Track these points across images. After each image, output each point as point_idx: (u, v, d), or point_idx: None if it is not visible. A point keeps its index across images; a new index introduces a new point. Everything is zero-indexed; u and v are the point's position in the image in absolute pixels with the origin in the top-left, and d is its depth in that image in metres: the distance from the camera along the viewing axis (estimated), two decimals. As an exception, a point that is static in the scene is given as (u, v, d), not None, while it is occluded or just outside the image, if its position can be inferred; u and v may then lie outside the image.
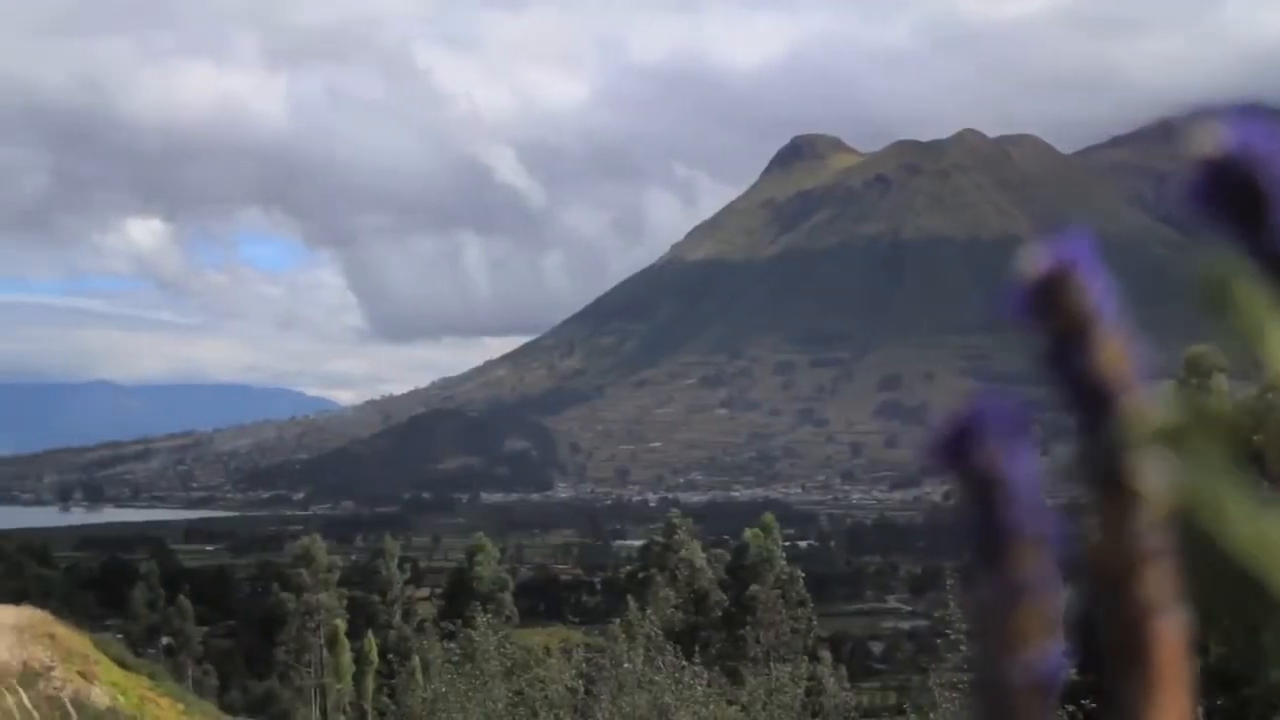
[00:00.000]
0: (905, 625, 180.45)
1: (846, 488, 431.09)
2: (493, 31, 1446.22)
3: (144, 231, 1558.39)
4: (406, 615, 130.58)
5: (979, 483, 1.19)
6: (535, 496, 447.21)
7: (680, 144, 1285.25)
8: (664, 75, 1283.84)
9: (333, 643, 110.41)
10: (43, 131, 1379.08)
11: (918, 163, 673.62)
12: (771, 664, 49.97)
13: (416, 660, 75.88)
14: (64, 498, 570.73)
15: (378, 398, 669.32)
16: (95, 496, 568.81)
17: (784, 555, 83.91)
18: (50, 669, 37.50)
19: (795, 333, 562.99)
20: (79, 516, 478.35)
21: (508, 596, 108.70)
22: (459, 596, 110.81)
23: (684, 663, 32.67)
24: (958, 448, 1.18)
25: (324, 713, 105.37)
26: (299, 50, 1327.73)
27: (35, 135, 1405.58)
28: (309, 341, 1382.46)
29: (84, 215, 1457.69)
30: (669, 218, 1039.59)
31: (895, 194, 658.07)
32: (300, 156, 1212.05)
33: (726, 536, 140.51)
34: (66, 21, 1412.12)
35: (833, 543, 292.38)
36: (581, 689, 35.14)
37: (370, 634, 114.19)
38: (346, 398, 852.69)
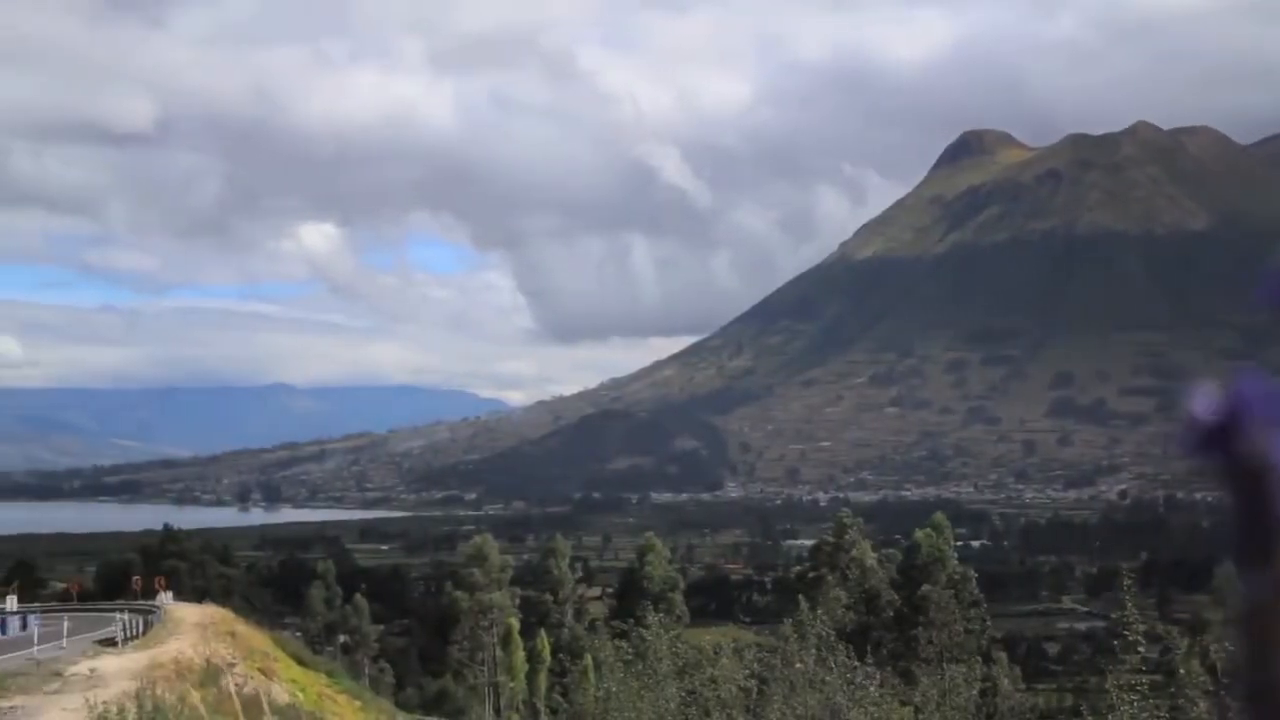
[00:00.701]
0: (1081, 626, 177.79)
1: (1020, 486, 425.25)
2: (654, 33, 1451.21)
3: (316, 236, 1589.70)
4: (578, 614, 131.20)
5: (1246, 472, 1.18)
6: (705, 496, 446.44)
7: (846, 141, 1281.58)
8: (826, 72, 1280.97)
9: (506, 641, 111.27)
10: (219, 139, 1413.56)
11: (1090, 157, 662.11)
12: (944, 665, 49.48)
13: (588, 659, 76.35)
14: (243, 498, 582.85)
15: (547, 398, 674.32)
16: (273, 497, 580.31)
17: (956, 555, 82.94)
18: (232, 665, 38.26)
19: (966, 330, 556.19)
20: (258, 516, 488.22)
21: (678, 596, 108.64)
22: (630, 596, 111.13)
23: (856, 663, 32.38)
24: (1222, 435, 1.18)
25: (497, 710, 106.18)
26: (465, 55, 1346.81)
27: (212, 143, 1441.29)
28: (479, 343, 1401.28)
29: (259, 221, 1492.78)
30: (837, 215, 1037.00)
31: (1067, 188, 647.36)
32: (467, 160, 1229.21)
33: (898, 536, 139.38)
34: (241, 33, 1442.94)
35: (1006, 542, 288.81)
36: (754, 689, 34.98)
37: (542, 632, 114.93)
38: (517, 398, 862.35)
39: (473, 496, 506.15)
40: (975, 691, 40.88)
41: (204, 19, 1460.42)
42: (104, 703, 17.89)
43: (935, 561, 77.18)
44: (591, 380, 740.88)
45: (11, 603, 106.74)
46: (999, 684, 52.67)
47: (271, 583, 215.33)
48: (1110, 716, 28.66)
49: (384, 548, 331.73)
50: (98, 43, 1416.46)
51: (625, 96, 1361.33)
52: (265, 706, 23.52)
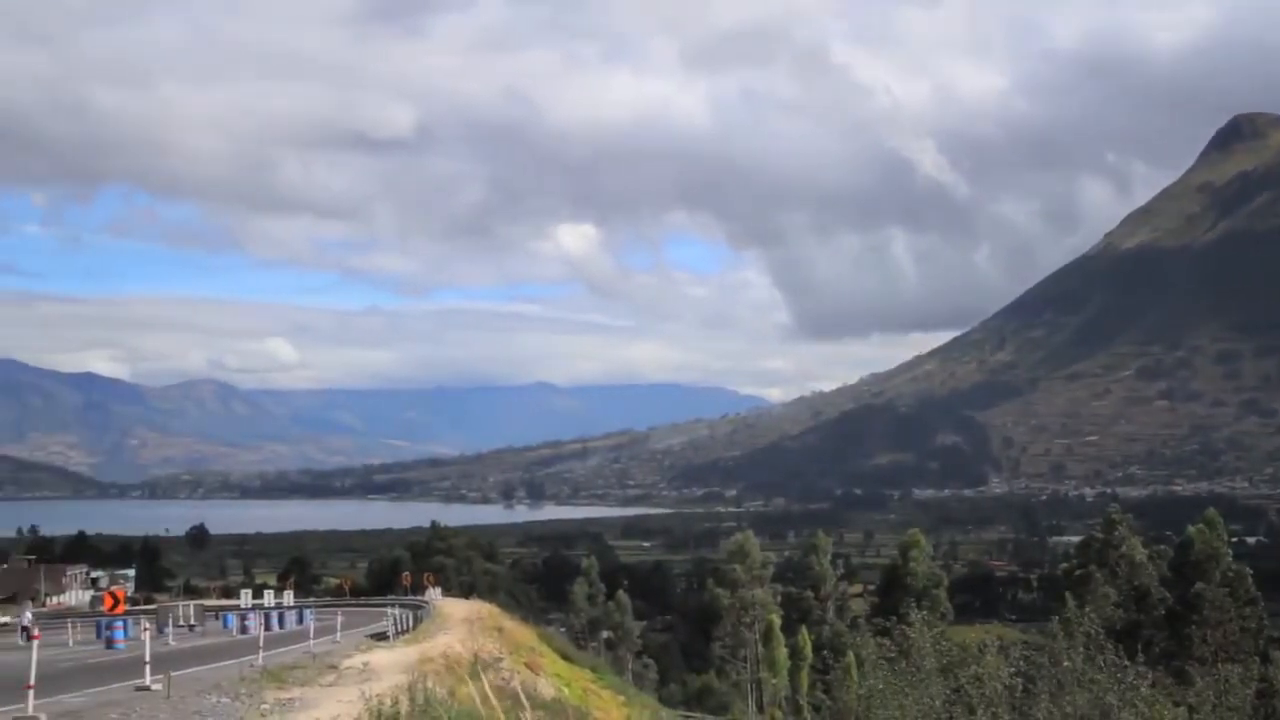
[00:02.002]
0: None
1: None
2: (906, 24, 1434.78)
3: (575, 236, 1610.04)
4: (840, 611, 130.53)
5: None
6: (968, 492, 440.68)
7: (1108, 129, 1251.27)
8: (1084, 59, 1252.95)
9: (767, 638, 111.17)
10: (478, 144, 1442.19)
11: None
12: (1220, 664, 47.99)
13: (850, 656, 75.88)
14: (507, 496, 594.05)
15: (807, 395, 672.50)
16: (537, 494, 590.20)
17: (1230, 552, 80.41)
18: (499, 660, 38.97)
19: (1238, 320, 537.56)
20: (522, 514, 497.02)
21: (942, 593, 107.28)
22: (892, 592, 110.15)
23: (1126, 662, 31.63)
24: None
25: (760, 707, 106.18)
26: (716, 53, 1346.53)
27: (471, 148, 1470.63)
28: (738, 341, 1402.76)
29: (518, 223, 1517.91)
30: (1101, 205, 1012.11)
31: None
32: (722, 158, 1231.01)
33: (1169, 532, 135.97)
34: (496, 38, 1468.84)
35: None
36: (1020, 687, 34.43)
37: (804, 629, 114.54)
38: (776, 395, 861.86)
39: (733, 493, 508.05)
40: (1251, 692, 39.64)
41: (460, 27, 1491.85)
42: (377, 696, 18.36)
43: (1209, 558, 74.96)
44: (851, 376, 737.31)
45: (288, 597, 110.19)
46: (1277, 685, 51.01)
47: (536, 579, 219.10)
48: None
49: (646, 544, 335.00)
50: (360, 54, 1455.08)
51: (879, 89, 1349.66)
52: (531, 701, 23.88)
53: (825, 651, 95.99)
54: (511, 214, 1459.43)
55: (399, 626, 61.16)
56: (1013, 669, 35.78)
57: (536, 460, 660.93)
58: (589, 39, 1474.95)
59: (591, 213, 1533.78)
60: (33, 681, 19.70)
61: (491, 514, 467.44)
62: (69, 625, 74.97)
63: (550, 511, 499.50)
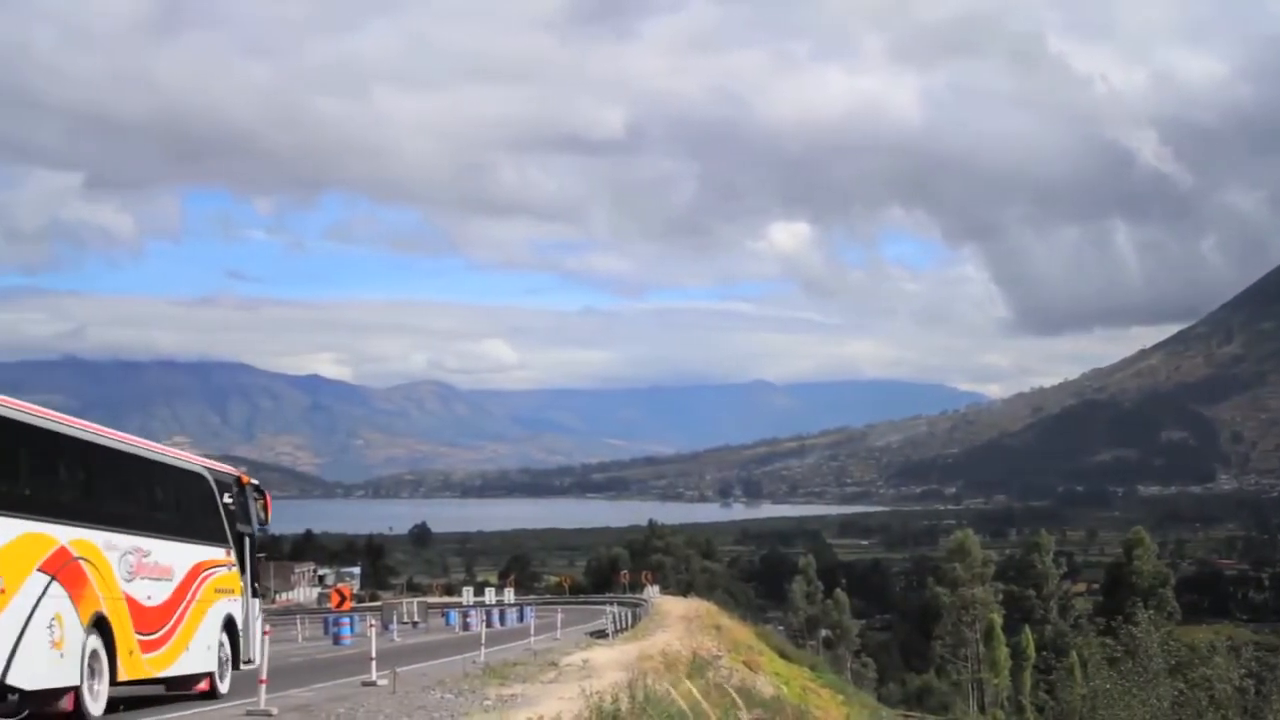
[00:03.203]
0: None
1: None
2: (1121, 11, 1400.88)
3: (787, 234, 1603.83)
4: (1063, 610, 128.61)
5: None
6: (1195, 489, 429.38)
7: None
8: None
9: (989, 637, 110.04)
10: (689, 144, 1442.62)
11: None
12: None
13: (1074, 656, 74.68)
14: (724, 494, 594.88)
15: (1027, 390, 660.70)
16: (754, 492, 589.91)
17: None
18: (718, 658, 39.06)
19: None
20: (739, 512, 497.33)
21: (1169, 592, 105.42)
22: (1117, 592, 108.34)
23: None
24: None
25: (981, 707, 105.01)
26: (926, 47, 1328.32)
27: (683, 147, 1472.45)
28: (954, 336, 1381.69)
29: (731, 222, 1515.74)
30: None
31: None
32: (935, 152, 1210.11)
33: None
34: (705, 39, 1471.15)
35: None
36: (1251, 689, 33.63)
37: (1026, 629, 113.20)
38: (995, 391, 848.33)
39: (952, 490, 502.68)
40: None
41: (669, 28, 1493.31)
42: (597, 693, 18.53)
43: None
44: (1072, 371, 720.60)
45: (509, 595, 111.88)
46: None
47: (753, 577, 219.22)
48: None
49: (864, 542, 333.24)
50: (570, 57, 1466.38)
51: (1096, 78, 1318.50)
52: (750, 699, 23.91)
53: (1048, 651, 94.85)
54: (724, 213, 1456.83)
55: (618, 624, 61.66)
56: (1244, 670, 34.94)
57: (753, 458, 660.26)
58: (797, 37, 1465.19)
59: (804, 210, 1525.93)
60: (264, 676, 20.27)
61: (708, 512, 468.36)
62: (297, 621, 77.07)
63: (767, 509, 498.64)
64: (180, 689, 22.72)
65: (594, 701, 17.81)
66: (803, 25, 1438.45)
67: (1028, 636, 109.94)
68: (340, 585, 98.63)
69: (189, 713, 20.74)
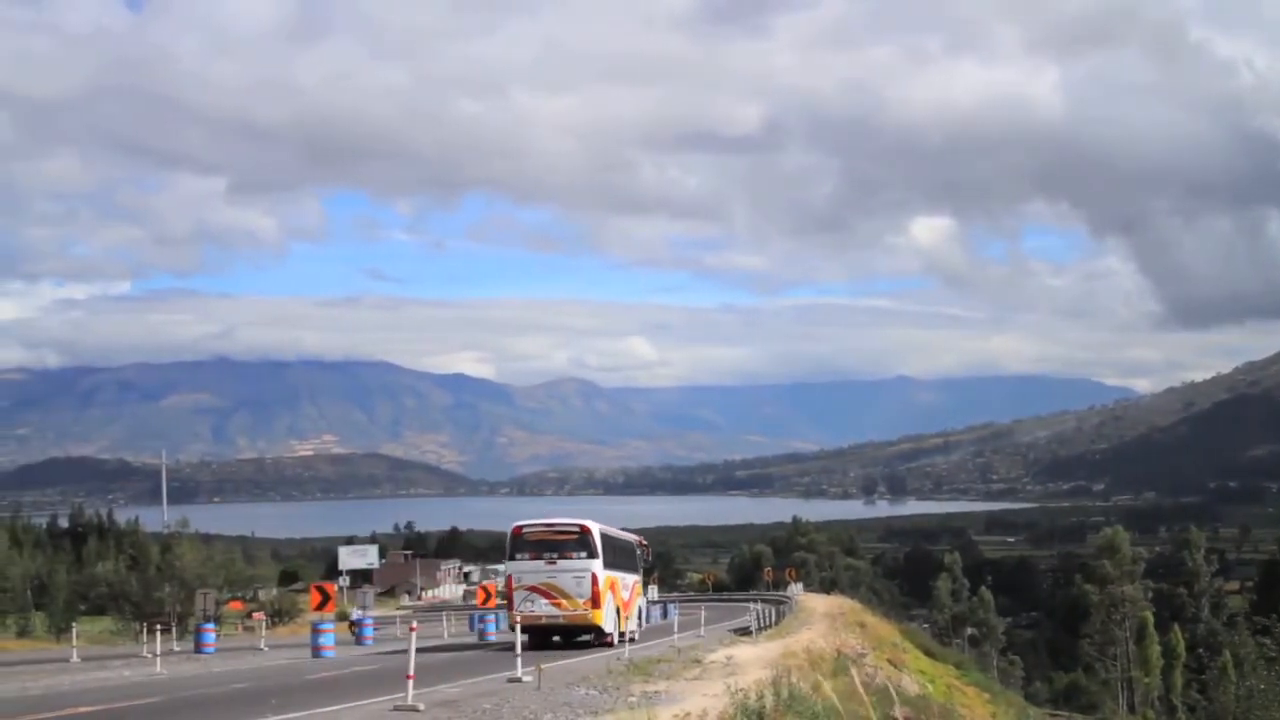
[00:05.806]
0: None
1: None
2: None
3: (927, 229, 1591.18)
4: (1215, 608, 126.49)
5: None
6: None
7: None
8: None
9: (1139, 635, 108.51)
10: (826, 139, 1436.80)
11: None
12: None
13: (1227, 655, 73.43)
14: (868, 491, 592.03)
15: (1178, 385, 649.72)
16: (898, 489, 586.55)
17: None
18: (862, 656, 38.84)
19: None
20: (882, 509, 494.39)
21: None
22: (1272, 590, 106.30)
23: None
24: None
25: (1131, 707, 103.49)
26: (1063, 38, 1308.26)
27: (821, 143, 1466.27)
28: (1101, 330, 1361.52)
29: (870, 217, 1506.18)
30: None
31: None
32: (1077, 143, 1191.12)
33: None
34: (838, 34, 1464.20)
35: None
36: None
37: (1177, 627, 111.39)
38: (1144, 386, 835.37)
39: (1101, 487, 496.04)
40: None
41: (803, 24, 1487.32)
42: (741, 690, 18.53)
43: None
44: (1225, 365, 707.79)
45: (652, 592, 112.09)
46: None
47: (897, 574, 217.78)
48: None
49: (1010, 539, 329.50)
50: (704, 54, 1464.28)
51: (1242, 65, 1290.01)
52: (895, 697, 23.75)
53: (1200, 650, 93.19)
54: (863, 208, 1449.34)
55: (762, 621, 61.56)
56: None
57: (897, 454, 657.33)
58: (931, 31, 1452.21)
59: (944, 204, 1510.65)
60: (412, 672, 20.49)
61: (852, 509, 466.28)
62: (443, 618, 77.77)
63: (912, 506, 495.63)
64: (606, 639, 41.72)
65: (739, 698, 17.81)
66: (934, 19, 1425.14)
67: (1178, 635, 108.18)
68: (486, 583, 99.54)
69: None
